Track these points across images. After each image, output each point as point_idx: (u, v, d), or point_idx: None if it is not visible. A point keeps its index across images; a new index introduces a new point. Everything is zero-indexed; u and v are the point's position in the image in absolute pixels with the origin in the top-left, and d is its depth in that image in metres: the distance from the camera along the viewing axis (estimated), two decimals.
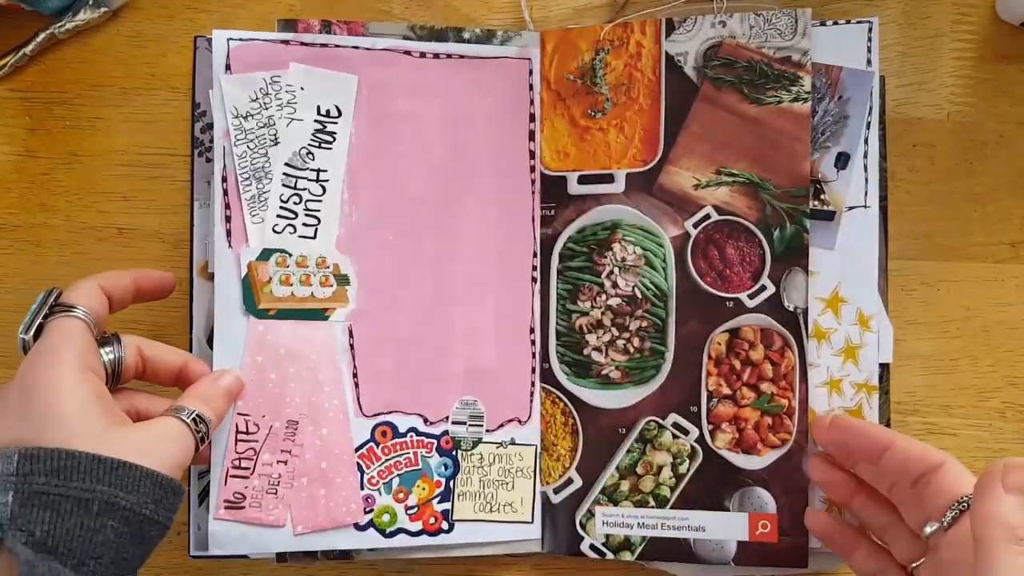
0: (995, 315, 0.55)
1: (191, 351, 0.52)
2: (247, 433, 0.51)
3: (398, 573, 0.54)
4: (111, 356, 0.46)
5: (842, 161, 0.51)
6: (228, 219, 0.52)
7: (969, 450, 0.55)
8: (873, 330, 0.51)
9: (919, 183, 0.55)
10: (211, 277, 0.52)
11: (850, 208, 0.52)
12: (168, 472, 0.43)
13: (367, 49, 0.53)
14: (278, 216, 0.52)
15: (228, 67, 0.52)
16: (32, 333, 0.45)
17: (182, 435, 0.45)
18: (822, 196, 0.52)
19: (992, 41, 0.56)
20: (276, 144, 0.52)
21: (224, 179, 0.52)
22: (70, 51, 0.55)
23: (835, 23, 0.51)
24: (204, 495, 0.52)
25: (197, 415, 0.46)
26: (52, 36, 0.54)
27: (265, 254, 0.52)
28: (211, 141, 0.52)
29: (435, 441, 0.53)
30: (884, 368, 0.52)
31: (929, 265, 0.55)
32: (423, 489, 0.52)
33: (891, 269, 0.54)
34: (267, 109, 0.52)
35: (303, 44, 0.52)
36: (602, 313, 0.53)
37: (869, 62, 0.51)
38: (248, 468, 0.51)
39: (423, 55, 0.53)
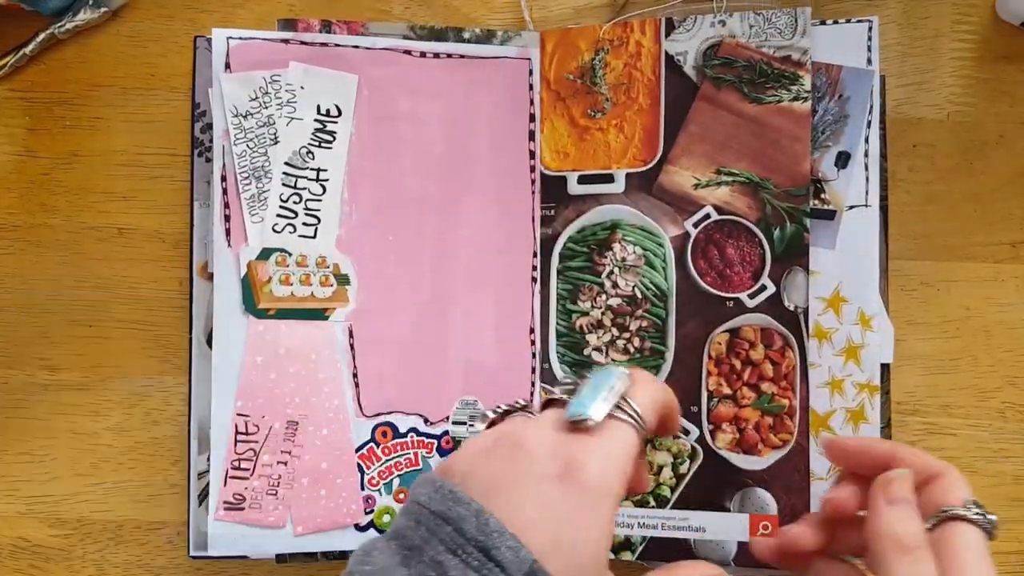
0: (995, 315, 0.55)
1: (191, 351, 0.52)
2: (247, 434, 0.51)
3: None
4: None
5: (842, 160, 0.51)
6: (227, 218, 0.52)
7: (969, 450, 0.54)
8: (874, 329, 0.51)
9: (919, 183, 0.55)
10: (211, 277, 0.52)
11: (851, 207, 0.52)
12: None
13: (367, 48, 0.53)
14: (278, 215, 0.52)
15: (228, 66, 0.52)
16: (600, 416, 0.35)
17: None
18: (822, 195, 0.52)
19: (992, 41, 0.56)
20: (276, 143, 0.52)
21: (224, 178, 0.52)
22: (70, 51, 0.55)
23: (835, 22, 0.51)
24: (204, 496, 0.52)
25: None
26: (52, 36, 0.54)
27: (265, 253, 0.52)
28: (211, 141, 0.52)
29: (435, 441, 0.53)
30: (885, 368, 0.52)
31: (929, 265, 0.55)
32: None
33: (891, 269, 0.54)
34: (267, 108, 0.52)
35: (303, 43, 0.52)
36: (602, 313, 0.53)
37: (869, 61, 0.51)
38: (248, 469, 0.51)
39: (423, 55, 0.53)
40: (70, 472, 0.54)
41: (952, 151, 0.55)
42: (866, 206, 0.51)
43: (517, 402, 0.39)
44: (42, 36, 0.54)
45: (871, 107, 0.51)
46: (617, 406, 0.36)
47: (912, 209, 0.55)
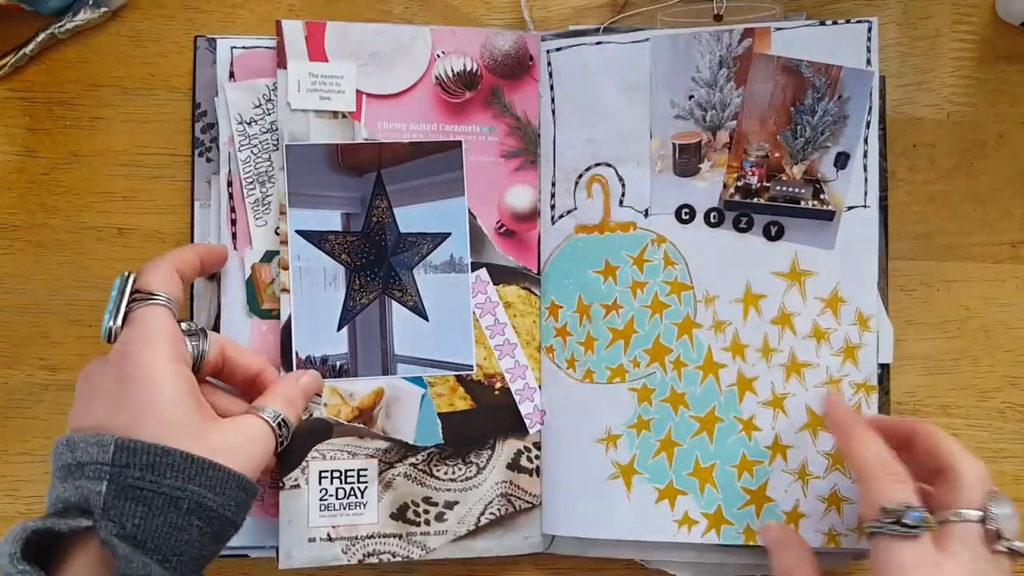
0: (995, 315, 0.55)
1: None
2: None
3: (398, 573, 0.54)
4: (195, 349, 0.47)
5: (842, 161, 0.51)
6: (233, 222, 0.52)
7: (969, 450, 0.54)
8: (872, 330, 0.51)
9: (919, 183, 0.55)
10: (211, 277, 0.52)
11: (850, 208, 0.51)
12: (249, 474, 0.43)
13: None
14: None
15: (232, 75, 0.52)
16: (119, 322, 0.44)
17: (266, 437, 0.46)
18: (822, 196, 0.52)
19: (992, 41, 0.56)
20: (279, 149, 0.52)
21: (229, 183, 0.52)
22: (70, 51, 0.55)
23: (834, 23, 0.51)
24: None
25: (282, 419, 0.46)
26: (52, 36, 0.54)
27: (268, 256, 0.52)
28: (211, 141, 0.53)
29: None
30: (884, 368, 0.52)
31: (929, 265, 0.55)
32: None
33: (891, 269, 0.54)
34: (270, 115, 0.52)
35: None
36: None
37: (869, 62, 0.51)
38: None
39: None
40: None
41: (952, 151, 0.55)
42: (865, 207, 0.51)
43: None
44: (42, 36, 0.54)
45: (870, 107, 0.51)
46: (133, 300, 0.45)
47: (912, 209, 0.55)
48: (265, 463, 0.45)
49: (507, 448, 0.53)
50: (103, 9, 0.54)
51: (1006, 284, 0.55)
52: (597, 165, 0.53)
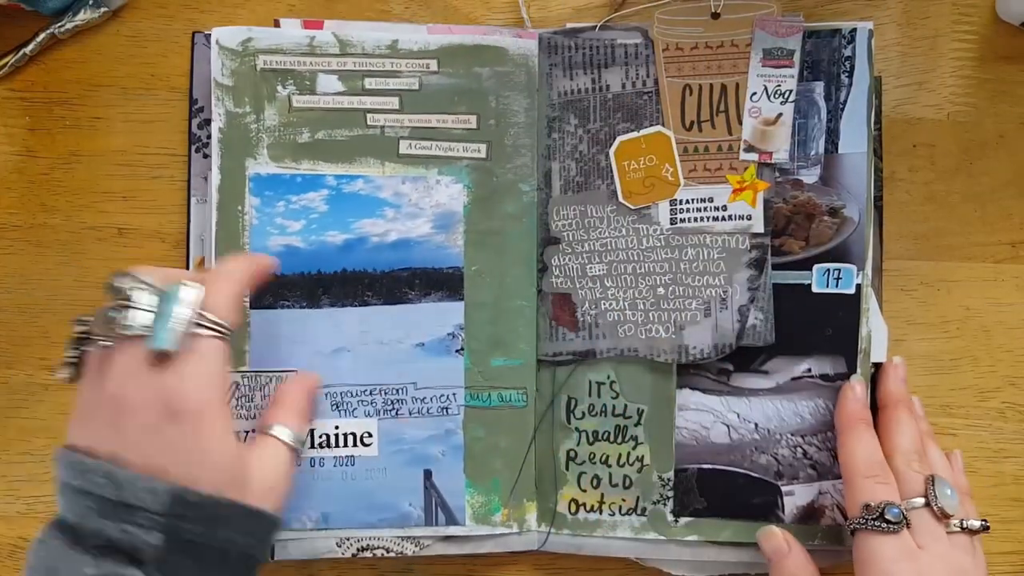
0: (995, 315, 0.55)
1: None
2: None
3: (398, 572, 0.54)
4: None
5: None
6: None
7: (969, 450, 0.54)
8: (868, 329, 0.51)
9: (919, 183, 0.55)
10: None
11: None
12: (282, 508, 0.43)
13: None
14: None
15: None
16: (178, 346, 0.39)
17: (290, 463, 0.45)
18: None
19: (992, 41, 0.56)
20: None
21: None
22: (70, 51, 0.55)
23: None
24: None
25: (301, 439, 0.46)
26: (52, 36, 0.54)
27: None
28: (208, 137, 0.53)
29: None
30: (877, 368, 0.52)
31: (929, 265, 0.55)
32: None
33: (891, 269, 0.54)
34: None
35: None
36: None
37: (867, 62, 0.51)
38: None
39: None
40: None
41: (952, 151, 0.55)
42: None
43: (83, 324, 0.42)
44: (42, 36, 0.54)
45: (866, 107, 0.51)
46: (194, 322, 0.39)
47: (912, 209, 0.55)
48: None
49: None
50: (103, 9, 0.54)
51: (1006, 284, 0.55)
52: None
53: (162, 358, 0.39)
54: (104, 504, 0.37)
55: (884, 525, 0.44)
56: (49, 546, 0.38)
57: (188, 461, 0.38)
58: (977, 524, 0.46)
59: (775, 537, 0.49)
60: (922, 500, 0.45)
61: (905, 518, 0.45)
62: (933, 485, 0.46)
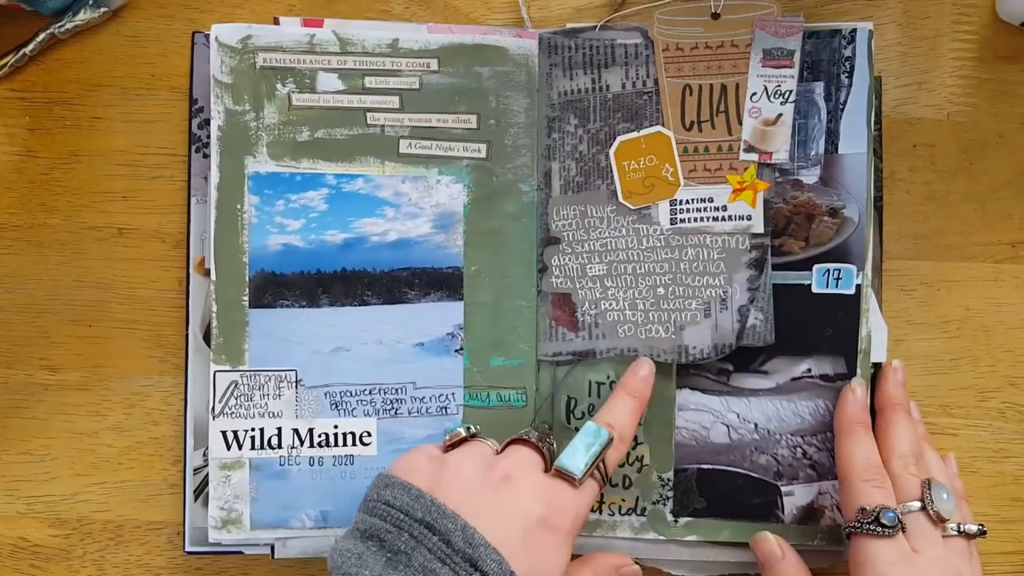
0: (995, 315, 0.55)
1: (187, 347, 0.53)
2: None
3: None
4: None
5: None
6: None
7: (969, 450, 0.54)
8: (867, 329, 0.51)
9: (919, 183, 0.55)
10: (207, 273, 0.52)
11: None
12: None
13: None
14: None
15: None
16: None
17: None
18: None
19: (992, 41, 0.56)
20: None
21: None
22: (70, 51, 0.56)
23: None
24: (199, 491, 0.52)
25: None
26: (52, 36, 0.54)
27: None
28: (208, 137, 0.53)
29: None
30: (877, 367, 0.52)
31: (929, 265, 0.55)
32: None
33: (891, 269, 0.54)
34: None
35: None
36: None
37: (867, 63, 0.51)
38: None
39: None
40: (70, 472, 0.54)
41: (952, 151, 0.55)
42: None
43: (470, 428, 0.46)
44: (42, 36, 0.54)
45: (866, 108, 0.51)
46: (594, 464, 0.44)
47: (912, 209, 0.55)
48: None
49: None
50: (103, 9, 0.54)
51: (1006, 284, 0.55)
52: None
53: (562, 475, 0.44)
54: (445, 550, 0.39)
55: (880, 529, 0.44)
56: (369, 556, 0.39)
57: (535, 563, 0.41)
58: (974, 528, 0.46)
59: (768, 542, 0.49)
60: (918, 504, 0.46)
61: (901, 522, 0.45)
62: (929, 489, 0.46)
